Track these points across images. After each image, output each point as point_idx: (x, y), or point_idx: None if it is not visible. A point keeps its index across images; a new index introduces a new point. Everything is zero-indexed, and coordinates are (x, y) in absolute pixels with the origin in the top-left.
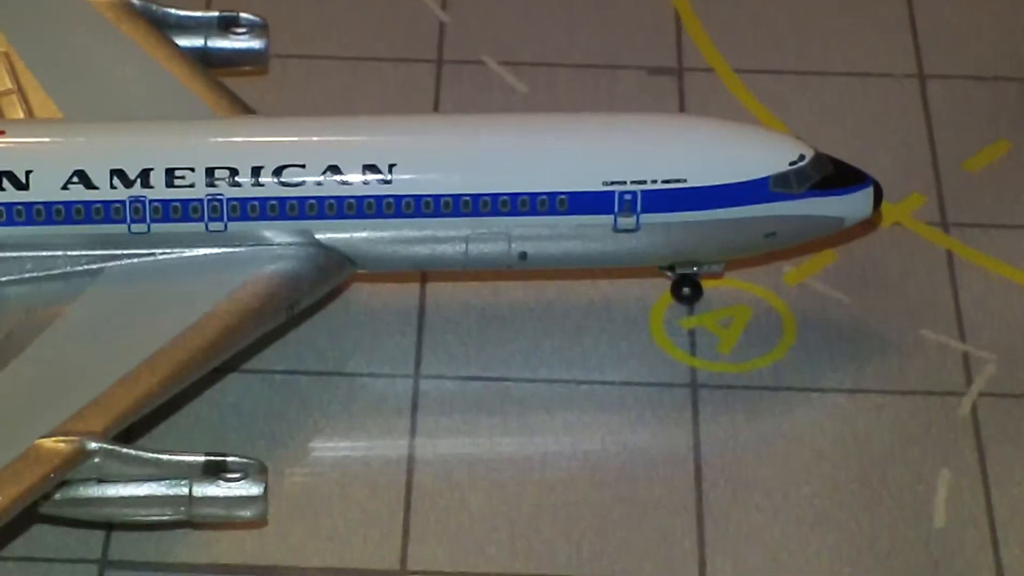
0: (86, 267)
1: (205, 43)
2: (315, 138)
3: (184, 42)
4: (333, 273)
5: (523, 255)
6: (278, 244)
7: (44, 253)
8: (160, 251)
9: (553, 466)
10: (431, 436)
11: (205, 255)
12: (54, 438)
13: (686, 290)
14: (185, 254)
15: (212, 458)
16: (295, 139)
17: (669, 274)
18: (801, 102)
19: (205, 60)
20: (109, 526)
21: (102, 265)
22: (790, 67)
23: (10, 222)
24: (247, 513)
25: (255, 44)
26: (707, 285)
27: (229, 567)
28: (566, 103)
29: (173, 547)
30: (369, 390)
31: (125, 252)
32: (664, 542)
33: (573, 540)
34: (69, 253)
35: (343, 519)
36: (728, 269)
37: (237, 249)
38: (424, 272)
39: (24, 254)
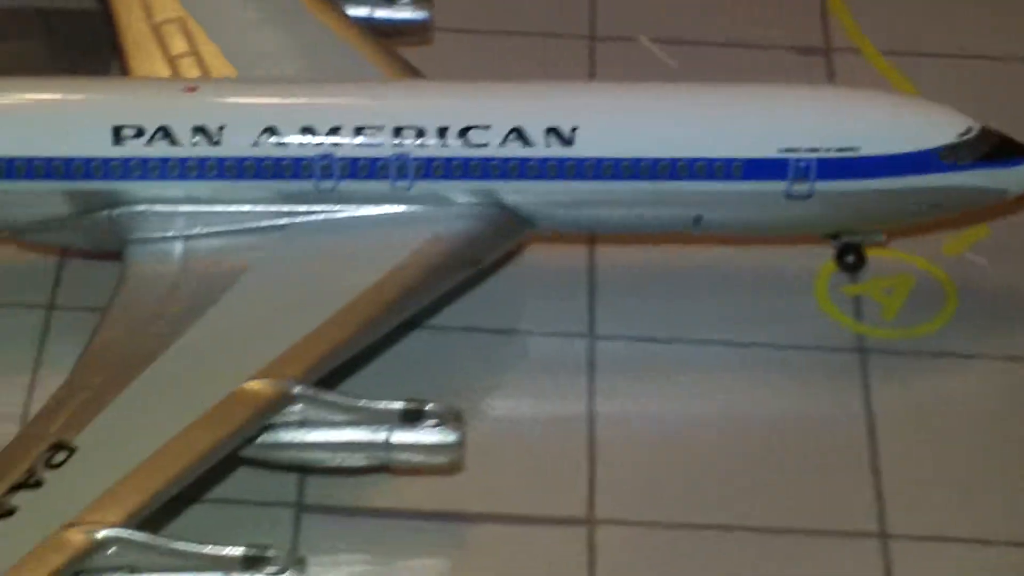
0: (273, 222)
1: (371, 13)
2: (499, 101)
3: (351, 11)
4: (512, 233)
5: (698, 219)
6: (460, 203)
7: (233, 208)
8: (345, 208)
9: (727, 425)
10: (609, 395)
11: (389, 212)
12: (258, 381)
13: (850, 258)
14: (369, 211)
15: (411, 405)
16: (480, 101)
17: (834, 242)
18: (948, 84)
19: (370, 30)
20: (303, 470)
21: (289, 220)
22: (936, 49)
23: (201, 176)
24: (443, 459)
25: (419, 15)
26: (870, 254)
27: (421, 512)
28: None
29: (366, 492)
30: (545, 348)
31: (311, 208)
32: (840, 497)
33: (749, 494)
34: (257, 208)
35: (528, 470)
36: (889, 239)
37: (420, 207)
38: (593, 234)
39: (214, 209)
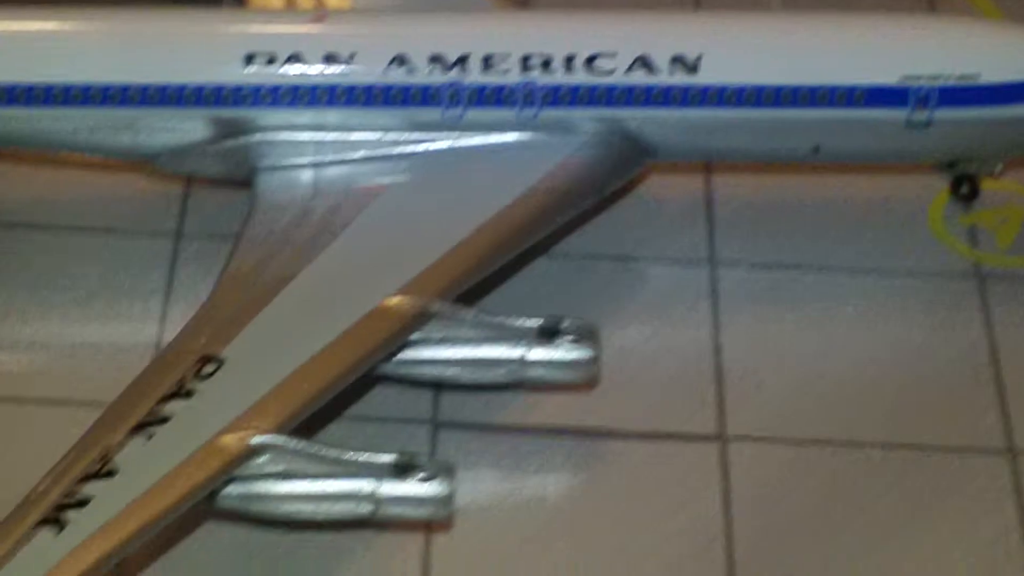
0: (401, 150)
1: None
2: (625, 30)
3: None
4: (634, 161)
5: (816, 148)
6: (585, 131)
7: (361, 136)
8: (472, 135)
9: (850, 347)
10: (733, 318)
11: (515, 140)
12: (398, 298)
13: (965, 189)
14: (495, 139)
15: (547, 322)
16: (606, 30)
17: (948, 172)
18: None
19: None
20: (441, 386)
21: (416, 148)
22: None
23: (331, 104)
24: (579, 376)
25: None
26: (983, 186)
27: (555, 428)
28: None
29: (500, 409)
30: (668, 275)
31: (438, 136)
32: (965, 412)
33: (875, 411)
34: (385, 136)
35: (658, 389)
36: (1005, 169)
37: (546, 135)
38: (709, 163)
39: (343, 137)
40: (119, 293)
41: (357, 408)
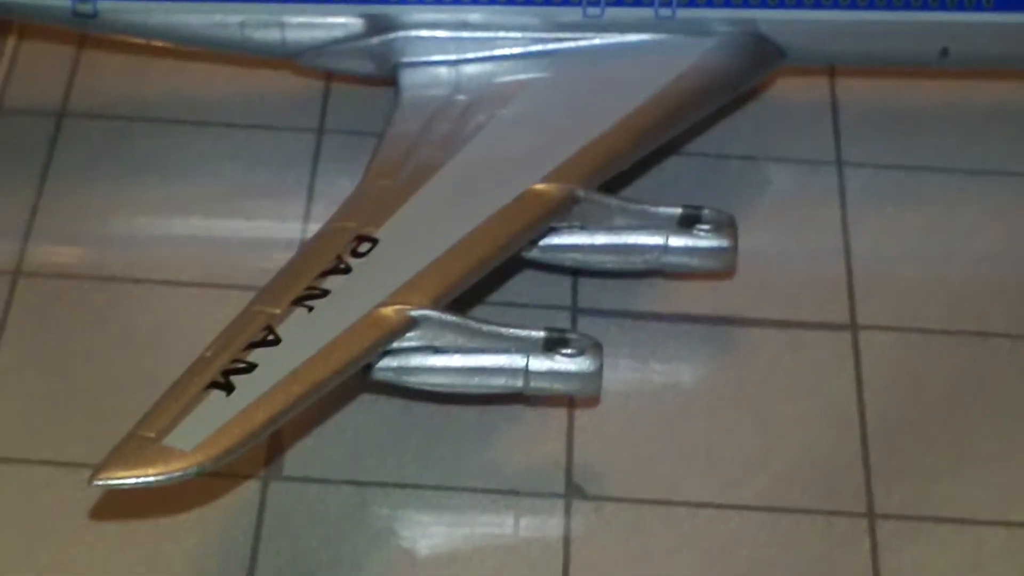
0: (541, 47)
1: None
2: None
3: None
4: (766, 62)
5: (944, 51)
6: (719, 33)
7: (502, 34)
8: (610, 35)
9: (974, 244)
10: (859, 217)
11: (652, 40)
12: (545, 183)
13: None
14: (633, 39)
15: (687, 211)
16: None
17: None
18: None
19: None
20: (577, 273)
21: (556, 47)
22: None
23: (475, 3)
24: (718, 264)
25: None
26: None
27: (692, 316)
28: None
29: (638, 297)
30: (795, 175)
31: (577, 36)
32: None
33: (1001, 305)
34: (525, 35)
35: (791, 282)
36: None
37: (682, 36)
38: (835, 67)
39: (485, 35)
40: (263, 187)
41: (501, 294)
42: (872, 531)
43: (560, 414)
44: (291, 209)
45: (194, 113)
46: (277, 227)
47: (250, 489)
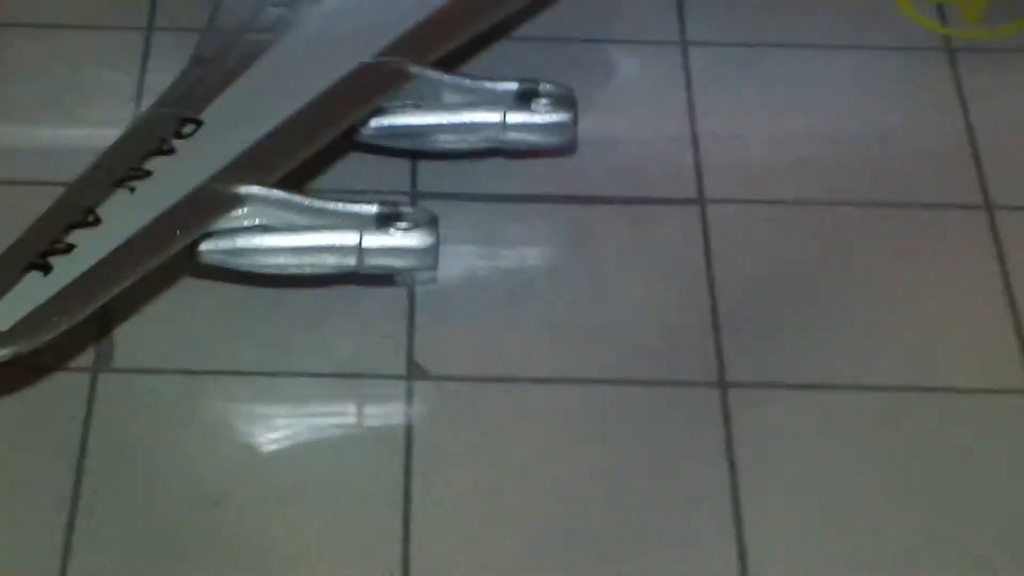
0: None
1: None
2: None
3: None
4: None
5: None
6: None
7: None
8: None
9: (823, 119)
10: (705, 96)
11: None
12: (378, 59)
13: None
14: None
15: (525, 85)
16: None
17: None
18: None
19: None
20: (414, 155)
21: None
22: None
23: None
24: (559, 140)
25: None
26: None
27: (534, 195)
28: None
29: (480, 178)
30: (638, 55)
31: None
32: (943, 173)
33: (850, 176)
34: None
35: (636, 159)
36: None
37: None
38: None
39: None
40: (91, 88)
41: (337, 180)
42: (724, 400)
43: (400, 294)
44: (119, 110)
45: (16, 14)
46: (104, 130)
47: (79, 380)
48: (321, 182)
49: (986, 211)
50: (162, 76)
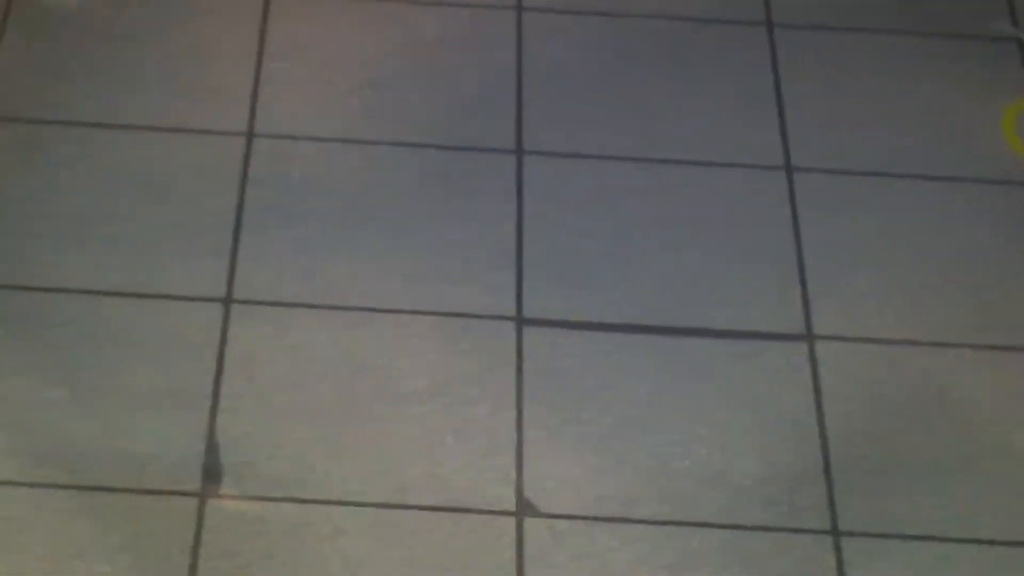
0: None
1: None
2: None
3: None
4: None
5: None
6: None
7: None
8: None
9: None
10: (814, 235)
11: None
12: None
13: None
14: None
15: None
16: None
17: None
18: None
19: None
20: None
21: None
22: None
23: None
24: None
25: None
26: None
27: (637, 327)
28: None
29: (587, 305)
30: (743, 180)
31: None
32: None
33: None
34: None
35: (742, 287)
36: None
37: None
38: None
39: None
40: None
41: None
42: (837, 549)
43: (510, 431)
44: None
45: None
46: None
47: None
48: None
49: None
50: None
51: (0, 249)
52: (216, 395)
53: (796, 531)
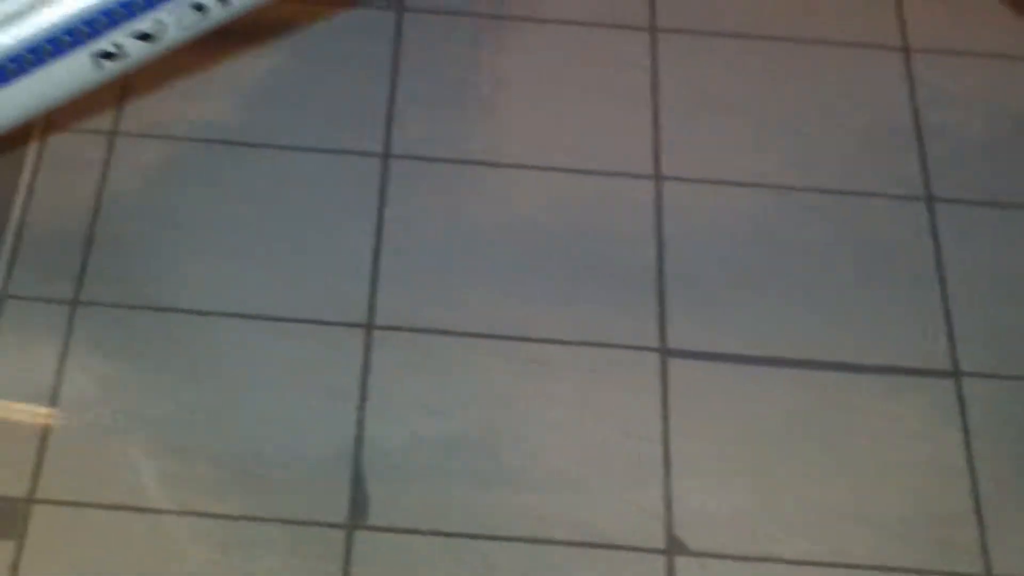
0: None
1: None
2: None
3: None
4: None
5: None
6: None
7: None
8: None
9: None
10: (959, 270)
11: None
12: None
13: None
14: None
15: None
16: None
17: None
18: None
19: None
20: None
21: None
22: None
23: None
24: None
25: None
26: None
27: (780, 360)
28: None
29: (728, 336)
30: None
31: None
32: None
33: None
34: None
35: (886, 323)
36: None
37: None
38: None
39: None
40: None
41: None
42: None
43: (656, 466)
44: None
45: None
46: None
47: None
48: None
49: None
50: None
51: (152, 270)
52: (360, 423)
53: (947, 574)
